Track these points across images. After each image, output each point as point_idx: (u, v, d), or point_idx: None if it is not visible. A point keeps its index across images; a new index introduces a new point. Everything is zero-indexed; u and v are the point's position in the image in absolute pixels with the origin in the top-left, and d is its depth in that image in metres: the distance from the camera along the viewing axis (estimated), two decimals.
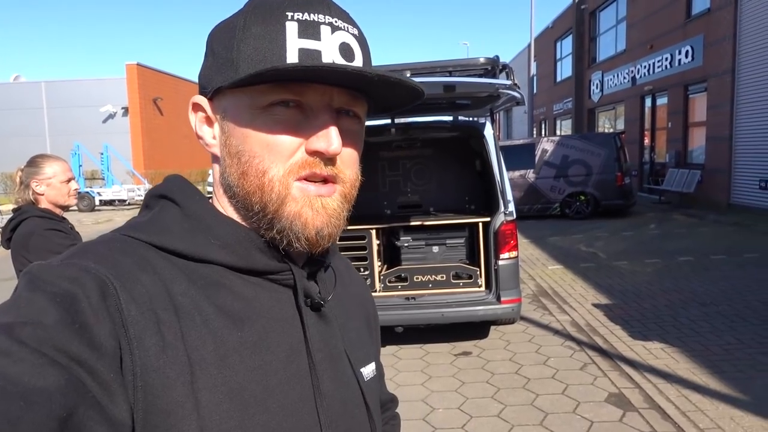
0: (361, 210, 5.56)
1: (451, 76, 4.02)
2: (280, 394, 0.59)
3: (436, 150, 5.62)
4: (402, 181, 5.73)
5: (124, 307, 0.52)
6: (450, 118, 5.21)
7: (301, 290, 0.64)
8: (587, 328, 5.18)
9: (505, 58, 4.06)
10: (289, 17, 0.58)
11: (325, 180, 0.61)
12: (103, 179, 23.72)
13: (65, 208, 2.57)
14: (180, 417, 0.52)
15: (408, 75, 3.89)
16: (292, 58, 0.57)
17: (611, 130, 18.88)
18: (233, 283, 0.61)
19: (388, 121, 4.79)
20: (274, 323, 0.62)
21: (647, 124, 16.81)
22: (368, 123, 5.17)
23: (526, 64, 24.89)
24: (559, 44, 25.49)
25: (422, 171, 5.70)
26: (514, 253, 4.59)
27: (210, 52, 0.63)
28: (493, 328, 5.32)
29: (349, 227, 4.83)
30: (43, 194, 2.49)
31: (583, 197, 12.55)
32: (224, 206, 0.65)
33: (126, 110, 29.53)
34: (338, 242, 4.82)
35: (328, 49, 0.58)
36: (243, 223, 0.63)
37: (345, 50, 0.60)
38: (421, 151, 5.64)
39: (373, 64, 0.67)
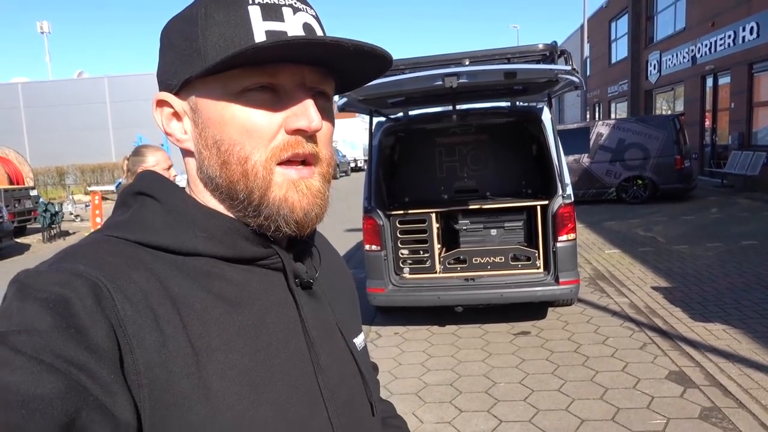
0: (419, 195, 5.80)
1: (509, 62, 4.13)
2: (283, 372, 0.61)
3: (492, 135, 5.73)
4: (459, 167, 5.87)
5: (120, 308, 0.52)
6: (507, 104, 5.30)
7: (291, 272, 0.66)
8: (646, 310, 5.21)
9: (556, 41, 4.12)
10: (251, 2, 0.58)
11: (303, 162, 0.62)
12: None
13: None
14: (191, 406, 0.53)
15: (467, 63, 4.04)
16: (260, 39, 0.57)
17: (669, 112, 18.28)
18: (224, 271, 0.62)
19: (449, 107, 4.93)
20: (269, 306, 0.64)
21: (708, 105, 16.21)
22: (427, 110, 5.33)
23: (578, 46, 24.28)
24: (614, 24, 24.73)
25: (479, 156, 5.83)
26: (572, 236, 4.67)
27: (168, 45, 0.63)
28: (550, 309, 5.42)
29: (410, 211, 5.06)
30: None
31: (640, 181, 12.31)
32: (205, 199, 0.65)
33: None
34: (399, 226, 5.07)
35: (293, 28, 0.59)
36: (227, 214, 0.64)
37: (308, 29, 0.61)
38: (477, 136, 5.76)
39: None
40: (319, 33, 0.62)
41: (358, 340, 0.77)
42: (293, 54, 0.57)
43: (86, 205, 17.12)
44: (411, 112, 5.40)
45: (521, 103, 5.41)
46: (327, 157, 0.65)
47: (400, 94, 4.18)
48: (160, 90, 0.65)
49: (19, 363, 0.45)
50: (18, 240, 12.05)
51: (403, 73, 4.01)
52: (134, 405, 0.51)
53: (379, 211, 4.91)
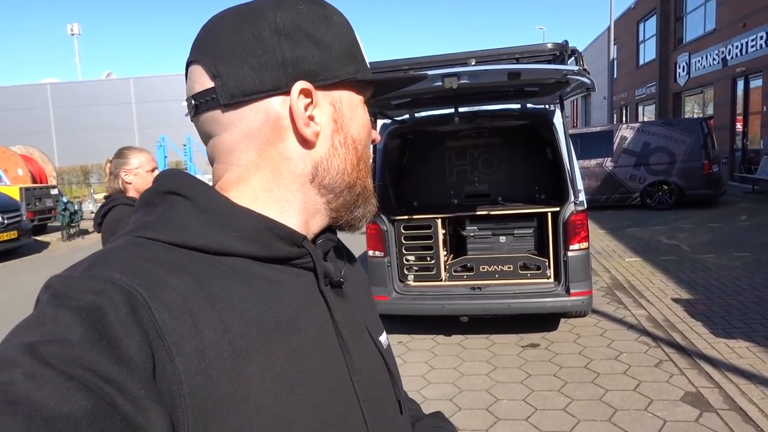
0: (427, 199, 5.61)
1: (518, 63, 3.92)
2: (318, 373, 0.61)
3: (504, 139, 5.52)
4: (469, 171, 5.67)
5: (158, 317, 0.51)
6: (518, 106, 5.08)
7: (321, 272, 0.66)
8: (665, 324, 4.93)
9: (582, 42, 3.90)
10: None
11: None
12: (187, 170, 25.00)
13: None
14: (229, 411, 0.53)
15: (473, 63, 3.84)
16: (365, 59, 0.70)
17: (699, 115, 17.73)
18: (259, 271, 0.61)
19: (452, 110, 4.74)
20: (302, 305, 0.63)
21: (739, 108, 15.66)
22: (435, 112, 5.13)
23: (605, 47, 23.77)
24: (641, 25, 24.16)
25: (490, 160, 5.62)
26: (584, 244, 4.44)
27: (305, 37, 0.62)
28: (562, 320, 5.18)
29: (415, 216, 4.87)
30: (130, 183, 2.68)
31: (665, 186, 11.90)
32: (242, 199, 0.63)
33: None
34: (404, 232, 4.89)
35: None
36: (260, 213, 0.62)
37: None
38: (488, 140, 5.56)
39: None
40: None
41: (383, 338, 0.78)
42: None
43: None
44: (418, 114, 5.22)
45: (532, 106, 5.19)
46: None
47: (400, 95, 4.00)
48: (302, 78, 0.62)
49: (48, 377, 0.43)
50: (38, 238, 12.20)
51: (405, 74, 3.83)
52: (169, 419, 0.49)
53: (383, 216, 4.74)
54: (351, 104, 0.67)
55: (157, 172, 2.81)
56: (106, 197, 2.69)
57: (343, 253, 0.78)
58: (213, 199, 0.62)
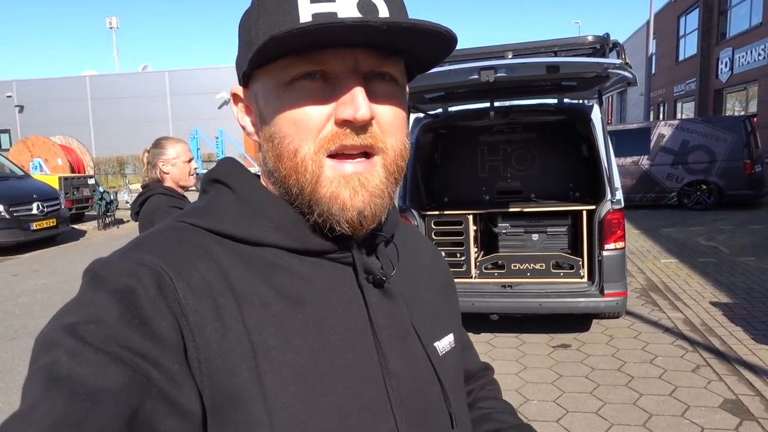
0: (459, 195, 5.55)
1: (556, 56, 3.83)
2: (347, 374, 0.58)
3: (539, 134, 5.41)
4: (502, 167, 5.58)
5: (182, 297, 0.52)
6: (555, 101, 4.97)
7: (361, 268, 0.62)
8: (702, 328, 4.78)
9: (620, 37, 3.79)
10: None
11: (363, 154, 0.57)
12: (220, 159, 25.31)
13: (185, 188, 2.80)
14: (247, 401, 0.52)
15: (510, 56, 3.77)
16: (305, 22, 0.53)
17: (741, 113, 17.15)
18: (291, 264, 0.60)
19: (487, 104, 4.66)
20: (336, 303, 0.60)
21: None
22: (467, 106, 5.04)
23: (644, 42, 23.19)
24: (682, 19, 23.46)
25: (524, 156, 5.52)
26: (620, 244, 4.32)
27: (239, 40, 0.63)
28: (595, 322, 5.06)
29: (446, 212, 4.82)
30: (168, 173, 2.72)
31: (704, 186, 11.55)
32: (272, 191, 0.64)
33: None
34: (434, 227, 4.85)
35: (345, 7, 0.54)
36: (293, 206, 0.61)
37: (366, 5, 0.55)
38: (523, 135, 5.45)
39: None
40: (383, 8, 0.56)
41: (443, 344, 0.70)
42: (338, 37, 0.52)
43: None
44: (452, 108, 5.15)
45: (569, 101, 5.06)
46: (393, 147, 0.59)
47: (434, 88, 3.95)
48: (239, 84, 0.64)
49: (87, 355, 0.46)
50: (75, 226, 12.53)
51: (440, 66, 3.78)
52: (199, 394, 0.51)
53: (414, 210, 4.71)
54: (265, 94, 0.59)
55: (194, 163, 2.84)
56: (143, 187, 2.73)
57: (397, 250, 0.69)
58: (253, 188, 0.62)
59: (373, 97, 0.56)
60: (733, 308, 5.22)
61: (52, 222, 10.41)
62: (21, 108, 32.51)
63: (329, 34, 0.51)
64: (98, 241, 11.31)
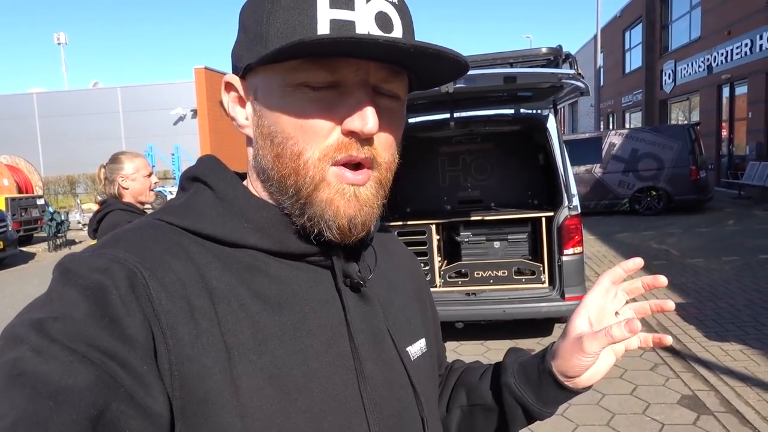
0: (421, 205, 5.61)
1: (512, 67, 3.94)
2: (322, 378, 0.58)
3: (497, 144, 5.53)
4: (462, 176, 5.67)
5: (155, 297, 0.51)
6: (511, 111, 5.10)
7: (339, 271, 0.62)
8: (658, 328, 4.96)
9: (569, 51, 3.94)
10: None
11: (360, 165, 0.58)
12: (174, 179, 24.85)
13: (144, 204, 2.74)
14: (219, 405, 0.52)
15: None
16: (323, 29, 0.53)
17: (685, 122, 17.96)
18: (269, 266, 0.59)
19: (447, 115, 4.75)
20: (313, 305, 0.60)
21: (725, 115, 15.89)
22: (427, 117, 5.12)
23: (592, 55, 24.05)
24: (627, 34, 24.48)
25: (483, 166, 5.63)
26: (578, 249, 4.44)
27: (242, 27, 0.61)
28: (557, 326, 5.18)
29: (409, 222, 4.85)
30: (128, 188, 2.66)
31: (654, 192, 12.02)
32: (258, 189, 0.63)
33: (195, 112, 30.79)
34: (398, 237, 4.86)
35: (363, 19, 0.54)
36: (278, 206, 0.61)
37: (382, 20, 0.55)
38: (481, 145, 5.56)
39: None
40: (397, 23, 0.57)
41: (415, 348, 0.71)
42: (354, 50, 0.52)
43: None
44: (411, 120, 5.22)
45: (526, 111, 5.21)
46: (386, 161, 0.60)
47: None
48: (232, 72, 0.63)
49: (52, 352, 0.45)
50: (24, 249, 12.04)
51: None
52: (168, 397, 0.50)
53: (377, 222, 4.72)
54: (268, 91, 0.58)
55: (153, 177, 2.79)
56: (100, 203, 2.66)
57: (375, 254, 0.69)
58: (233, 188, 0.62)
59: (377, 110, 0.56)
60: (686, 308, 5.43)
61: None
62: None
63: (353, 46, 0.51)
64: (48, 263, 10.88)
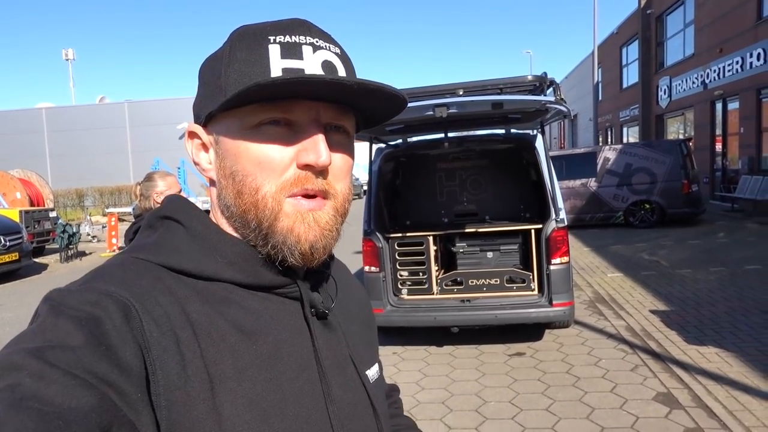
0: (419, 218, 5.99)
1: (501, 93, 4.32)
2: (295, 402, 0.62)
3: (490, 161, 5.92)
4: (459, 191, 6.05)
5: (146, 329, 0.54)
6: (503, 131, 5.49)
7: (308, 302, 0.67)
8: (642, 333, 5.28)
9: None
10: (272, 40, 0.60)
11: (315, 195, 0.63)
12: (182, 192, 25.18)
13: None
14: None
15: (461, 93, 4.24)
16: (275, 76, 0.59)
17: (681, 137, 18.34)
18: (242, 298, 0.63)
19: (442, 134, 5.13)
20: (284, 335, 0.65)
21: (718, 130, 16.26)
22: (426, 137, 5.52)
23: (590, 71, 24.52)
24: (624, 50, 24.98)
25: (478, 181, 6.01)
26: (565, 258, 4.79)
27: (202, 82, 0.66)
28: (547, 331, 5.51)
29: (408, 234, 5.26)
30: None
31: (648, 206, 12.35)
32: (223, 226, 0.67)
33: None
34: (398, 248, 5.24)
35: (311, 66, 0.60)
36: (244, 241, 0.65)
37: (327, 67, 0.62)
38: (476, 162, 5.95)
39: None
40: (341, 69, 0.63)
41: (371, 372, 0.77)
42: (304, 91, 0.58)
43: (103, 227, 17.55)
44: (411, 139, 5.60)
45: (516, 131, 5.60)
46: (342, 192, 0.65)
47: (394, 121, 4.38)
48: (194, 122, 0.68)
49: (54, 377, 0.46)
50: (36, 260, 12.40)
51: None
52: (157, 425, 0.53)
53: (378, 233, 5.08)
54: (228, 134, 0.63)
55: (183, 194, 3.17)
56: (136, 216, 3.04)
57: (336, 284, 0.76)
58: (204, 225, 0.66)
59: (329, 145, 0.62)
60: (670, 315, 5.76)
61: (14, 256, 10.33)
62: None
63: (303, 87, 0.57)
64: (61, 274, 11.24)
